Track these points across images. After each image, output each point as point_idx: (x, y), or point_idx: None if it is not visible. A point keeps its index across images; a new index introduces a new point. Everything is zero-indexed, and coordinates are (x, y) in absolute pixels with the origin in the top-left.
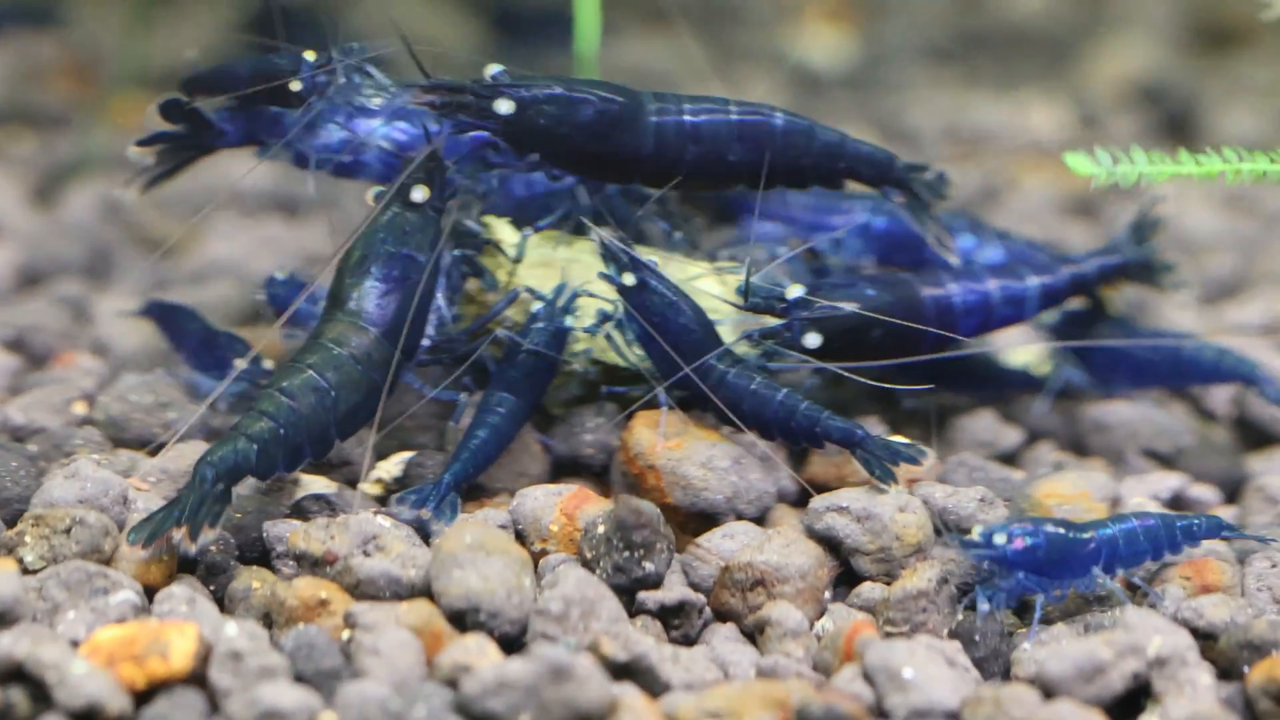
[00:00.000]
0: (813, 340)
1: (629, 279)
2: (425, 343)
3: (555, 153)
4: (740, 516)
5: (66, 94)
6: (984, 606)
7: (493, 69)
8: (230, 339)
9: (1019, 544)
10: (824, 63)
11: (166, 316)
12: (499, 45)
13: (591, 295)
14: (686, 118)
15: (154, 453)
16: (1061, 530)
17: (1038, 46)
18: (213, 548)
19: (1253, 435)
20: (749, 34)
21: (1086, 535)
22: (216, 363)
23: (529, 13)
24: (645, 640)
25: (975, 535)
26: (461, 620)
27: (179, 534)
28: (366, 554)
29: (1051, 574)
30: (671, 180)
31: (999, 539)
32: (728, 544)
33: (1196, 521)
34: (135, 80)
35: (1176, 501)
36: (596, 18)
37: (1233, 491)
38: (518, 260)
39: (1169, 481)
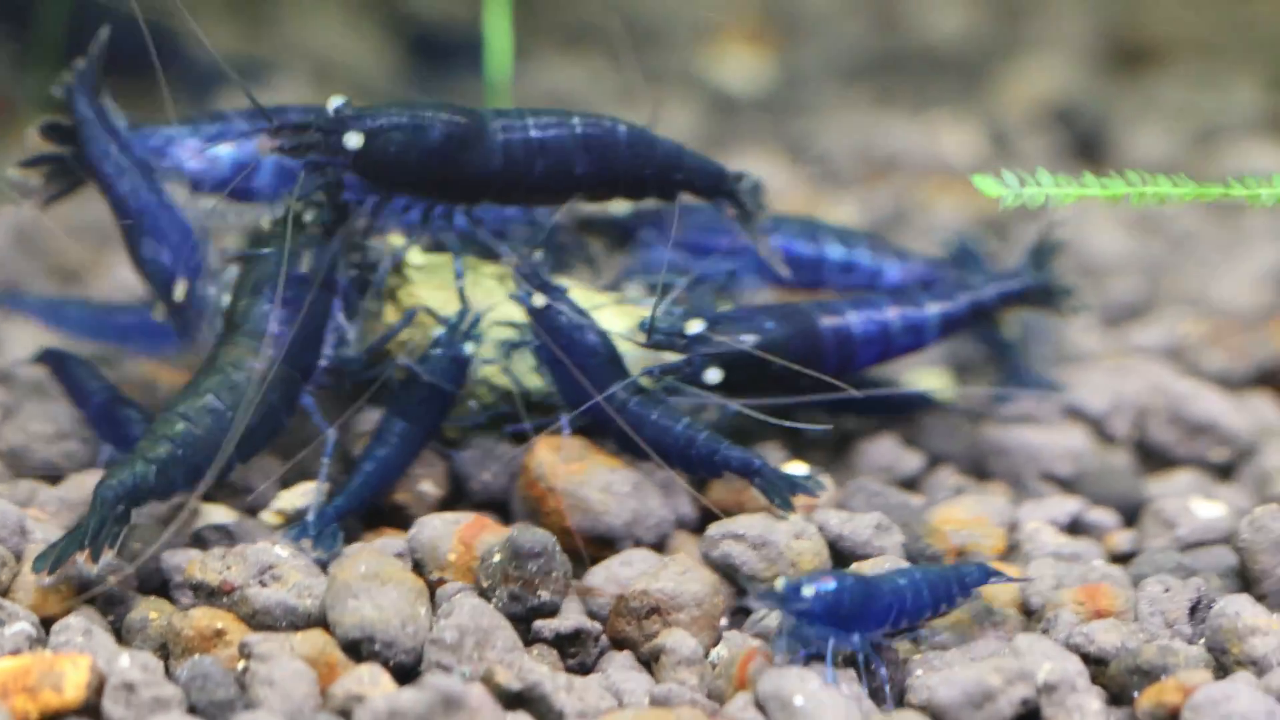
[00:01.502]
0: (713, 375)
1: (539, 300)
2: (322, 364)
3: (407, 181)
4: (639, 542)
5: None
6: (780, 658)
7: (334, 101)
8: (131, 412)
9: (821, 595)
10: (740, 85)
11: (64, 368)
12: (415, 70)
13: (504, 322)
14: (533, 133)
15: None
16: (860, 582)
17: (953, 68)
18: (111, 577)
19: (1153, 458)
20: (666, 56)
21: (883, 588)
22: (118, 436)
23: (445, 37)
24: (539, 669)
25: (778, 588)
26: (356, 650)
27: (81, 557)
28: (263, 584)
29: (849, 626)
30: (519, 195)
31: (806, 591)
32: (625, 571)
33: (967, 571)
34: (48, 107)
35: (1075, 525)
36: (508, 44)
37: (1131, 515)
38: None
39: (1067, 505)
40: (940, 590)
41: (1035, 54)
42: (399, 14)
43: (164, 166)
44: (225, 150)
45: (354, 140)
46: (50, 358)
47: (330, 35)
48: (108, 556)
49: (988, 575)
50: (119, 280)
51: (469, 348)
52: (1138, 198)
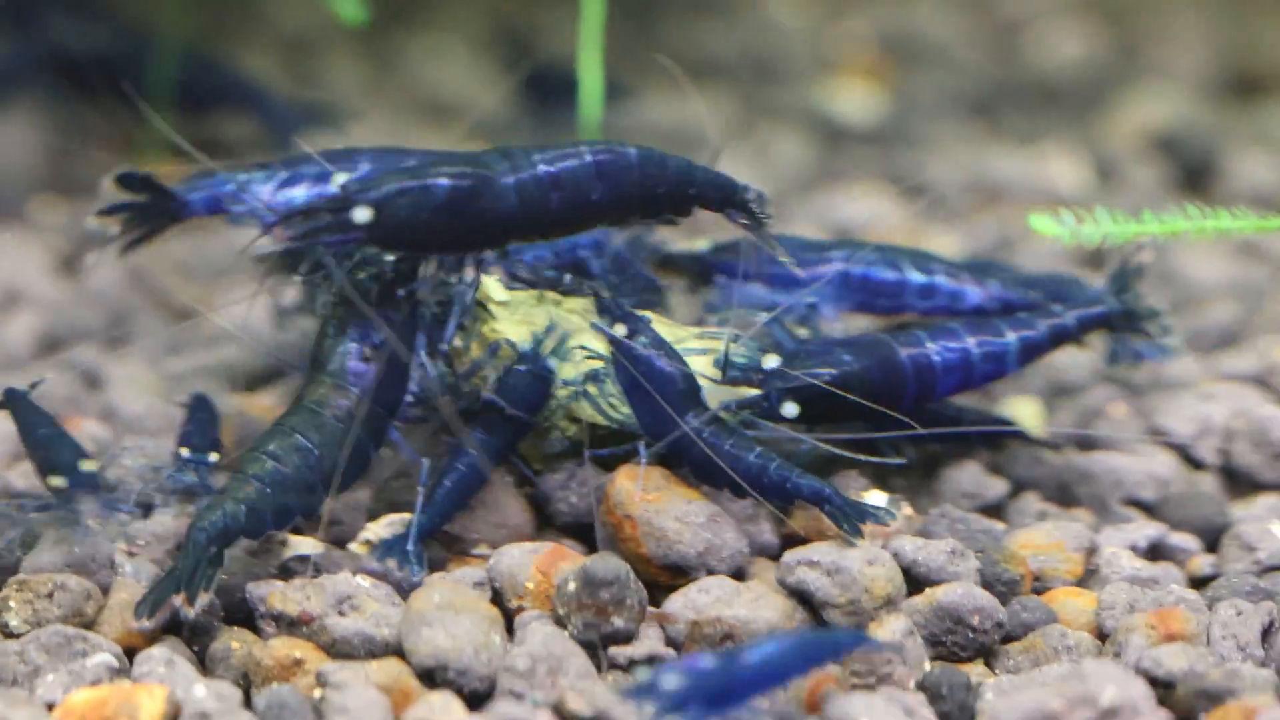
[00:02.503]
0: (790, 410)
1: (620, 330)
2: (409, 399)
3: (425, 240)
4: (712, 572)
5: (102, 164)
6: None
7: (338, 179)
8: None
9: (684, 684)
10: (855, 117)
11: (19, 406)
12: (528, 106)
13: (584, 351)
14: (542, 169)
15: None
16: (723, 660)
17: (1068, 97)
18: (191, 610)
19: (1239, 483)
20: (784, 90)
21: (748, 660)
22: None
23: (558, 74)
24: (610, 695)
25: (640, 682)
26: (431, 678)
27: (179, 599)
28: (342, 614)
29: (720, 703)
30: (542, 231)
31: (668, 683)
32: (701, 598)
33: (841, 637)
34: (162, 148)
35: (1156, 550)
36: (599, 85)
37: (1214, 539)
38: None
39: (1147, 530)
40: (811, 653)
41: (1149, 83)
42: (517, 53)
43: (238, 210)
44: (298, 194)
45: (362, 215)
46: (10, 396)
47: (452, 75)
48: (204, 599)
49: (859, 642)
50: (227, 316)
51: (552, 363)
52: (1196, 231)
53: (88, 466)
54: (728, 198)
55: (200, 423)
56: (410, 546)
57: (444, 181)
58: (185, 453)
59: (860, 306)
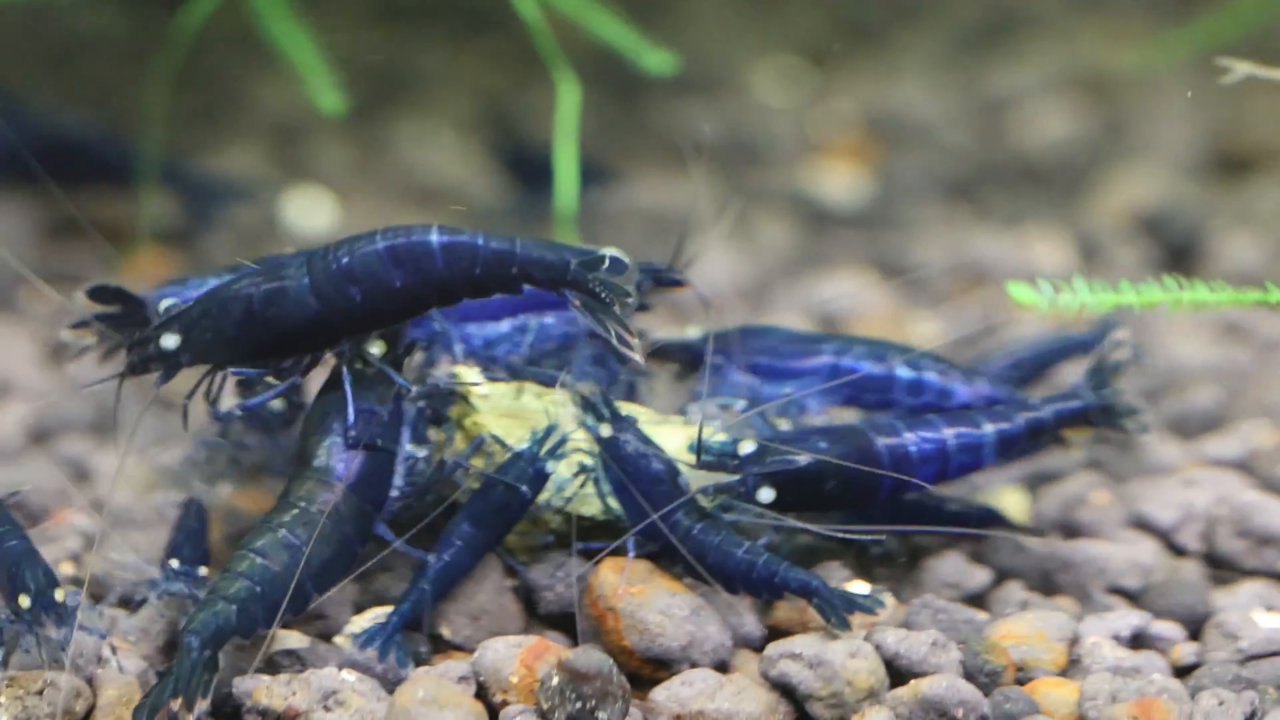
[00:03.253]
0: (766, 495)
1: (606, 430)
2: (394, 494)
3: (242, 352)
4: (695, 665)
5: (93, 252)
6: None
7: (165, 304)
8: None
9: None
10: (838, 200)
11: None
12: (514, 191)
13: (578, 449)
14: (334, 265)
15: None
16: None
17: (1053, 177)
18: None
19: (1222, 570)
20: (768, 172)
21: None
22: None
23: (541, 158)
24: None
25: None
26: None
27: (175, 705)
28: (327, 709)
29: None
30: (359, 324)
31: None
32: (685, 691)
33: None
34: (152, 235)
35: (1138, 639)
36: (575, 172)
37: (1197, 627)
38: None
39: (1130, 619)
40: None
41: (1135, 162)
42: (503, 138)
43: None
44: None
45: (170, 341)
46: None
47: (439, 158)
48: (201, 706)
49: None
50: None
51: (550, 465)
52: (1173, 304)
53: (58, 595)
54: (557, 278)
55: (189, 531)
56: (396, 637)
57: (238, 294)
58: (175, 564)
59: (847, 400)
